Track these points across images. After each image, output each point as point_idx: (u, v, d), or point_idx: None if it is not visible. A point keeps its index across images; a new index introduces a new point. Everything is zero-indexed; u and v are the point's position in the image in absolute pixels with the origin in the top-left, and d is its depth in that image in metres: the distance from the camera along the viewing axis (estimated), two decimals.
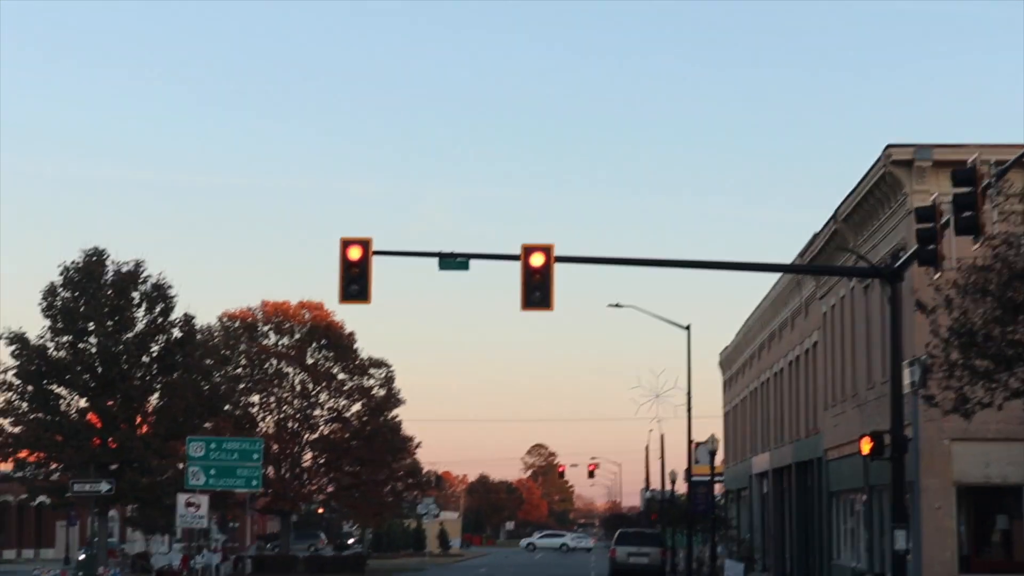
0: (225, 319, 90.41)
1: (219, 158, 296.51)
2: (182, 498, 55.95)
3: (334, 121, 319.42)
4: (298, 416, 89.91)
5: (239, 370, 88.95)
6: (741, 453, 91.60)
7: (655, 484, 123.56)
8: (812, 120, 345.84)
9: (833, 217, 55.13)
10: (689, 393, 74.58)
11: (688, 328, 75.30)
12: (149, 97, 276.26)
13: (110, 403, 62.17)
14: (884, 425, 39.69)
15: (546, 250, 40.71)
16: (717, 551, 65.84)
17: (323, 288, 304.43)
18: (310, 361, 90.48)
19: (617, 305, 77.54)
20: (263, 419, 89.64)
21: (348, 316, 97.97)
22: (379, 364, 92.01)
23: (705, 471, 77.42)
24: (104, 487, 53.41)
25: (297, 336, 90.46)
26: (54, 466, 62.86)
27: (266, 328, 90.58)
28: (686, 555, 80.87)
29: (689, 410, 74.54)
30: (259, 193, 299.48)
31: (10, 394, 62.00)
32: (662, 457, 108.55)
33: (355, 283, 40.56)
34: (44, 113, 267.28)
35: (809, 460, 66.87)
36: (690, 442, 76.15)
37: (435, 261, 42.74)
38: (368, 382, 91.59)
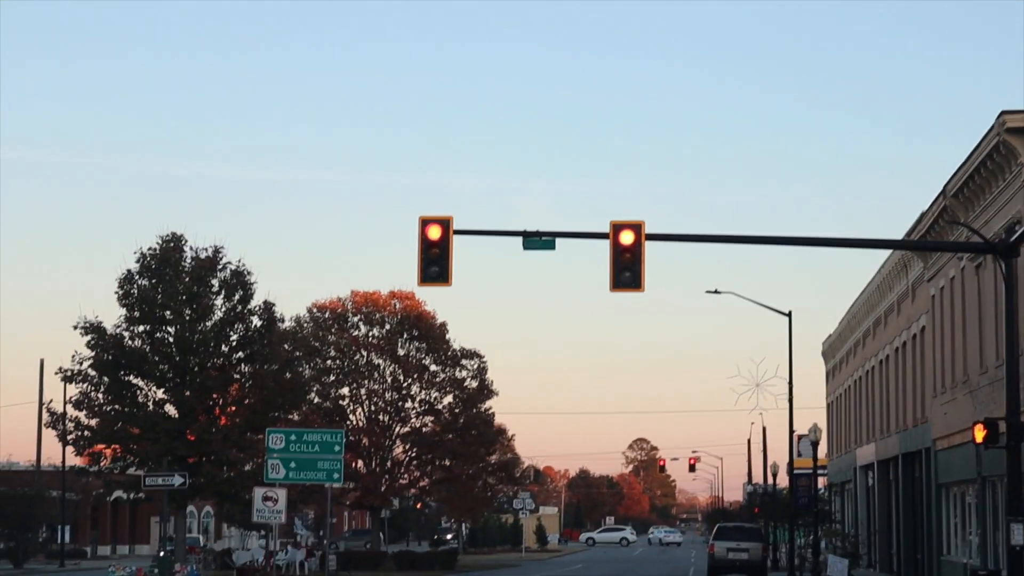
0: (315, 310, 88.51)
1: (302, 153, 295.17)
2: (259, 492, 53.64)
3: (426, 113, 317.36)
4: (389, 409, 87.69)
5: (328, 362, 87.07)
6: (844, 445, 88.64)
7: (757, 478, 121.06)
8: (919, 90, 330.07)
9: (942, 192, 52.01)
10: (791, 383, 71.64)
11: (789, 315, 72.33)
12: (234, 91, 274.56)
13: (188, 394, 59.88)
14: (998, 412, 37.15)
15: (636, 228, 38.59)
16: (820, 546, 62.80)
17: (413, 279, 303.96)
18: (401, 352, 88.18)
19: (716, 291, 74.58)
20: (353, 411, 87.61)
21: (439, 306, 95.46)
22: (471, 355, 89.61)
23: (808, 464, 74.67)
24: (177, 481, 51.09)
25: (387, 327, 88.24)
26: (130, 460, 60.43)
27: (356, 319, 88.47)
28: (788, 550, 78.27)
29: (791, 400, 71.67)
30: (344, 187, 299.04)
31: (86, 385, 59.81)
32: (764, 450, 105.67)
33: (435, 264, 38.56)
34: (126, 107, 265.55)
35: (916, 451, 63.88)
36: (791, 433, 73.31)
37: (519, 243, 40.91)
38: (460, 373, 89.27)
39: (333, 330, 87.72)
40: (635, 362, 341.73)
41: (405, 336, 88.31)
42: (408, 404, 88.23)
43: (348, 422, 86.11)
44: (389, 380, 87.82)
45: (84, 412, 59.43)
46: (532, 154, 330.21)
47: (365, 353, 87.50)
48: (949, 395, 56.54)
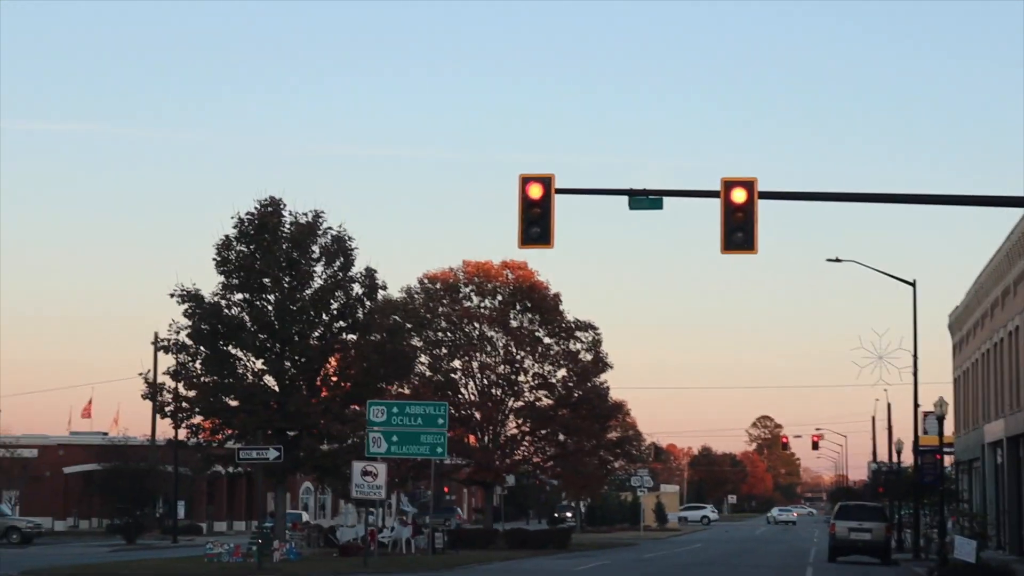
0: (425, 280, 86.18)
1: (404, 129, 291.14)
2: (358, 466, 51.52)
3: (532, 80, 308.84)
4: (501, 382, 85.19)
5: (439, 333, 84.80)
6: (972, 422, 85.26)
7: (882, 456, 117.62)
8: None
9: None
10: (916, 354, 68.71)
11: (914, 283, 69.34)
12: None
13: (288, 365, 57.75)
14: None
15: (748, 185, 36.75)
16: (947, 527, 59.73)
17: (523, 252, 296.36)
18: (514, 324, 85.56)
19: (836, 260, 71.59)
20: (465, 385, 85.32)
21: (551, 276, 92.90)
22: (586, 327, 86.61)
23: (933, 441, 71.50)
24: (272, 454, 48.93)
25: (500, 298, 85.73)
26: (228, 433, 58.26)
27: (467, 290, 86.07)
28: (913, 531, 75.25)
29: (915, 373, 68.77)
30: (448, 161, 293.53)
31: (183, 356, 57.86)
32: (889, 427, 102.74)
33: (536, 224, 36.86)
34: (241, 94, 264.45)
35: None
36: (916, 408, 70.21)
37: (629, 213, 39.06)
38: (574, 346, 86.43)
39: (444, 301, 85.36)
40: (751, 334, 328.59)
41: (518, 307, 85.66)
42: (521, 377, 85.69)
43: (460, 396, 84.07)
44: (502, 353, 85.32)
45: (181, 383, 57.45)
46: (639, 114, 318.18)
47: (477, 325, 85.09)
48: None
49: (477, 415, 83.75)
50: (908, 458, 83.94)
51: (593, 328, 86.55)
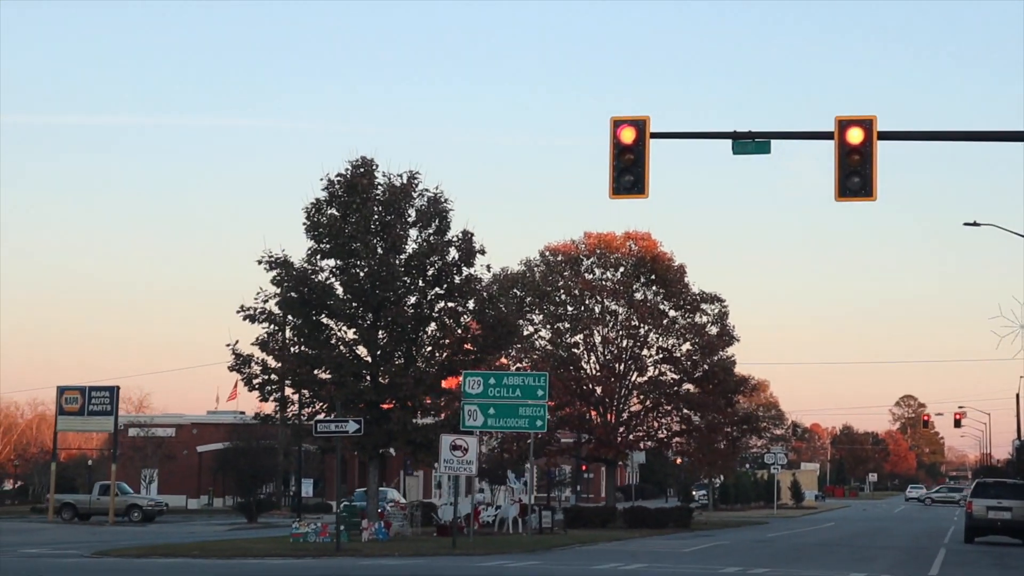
0: (547, 253, 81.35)
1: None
2: (446, 440, 46.71)
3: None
4: (624, 356, 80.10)
5: (559, 308, 79.92)
6: None
7: None
8: None
9: None
10: None
11: None
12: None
13: (381, 334, 52.78)
14: None
15: (866, 124, 32.29)
16: None
17: (650, 219, 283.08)
18: (637, 297, 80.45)
19: (975, 224, 65.32)
20: (587, 360, 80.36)
21: (676, 247, 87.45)
22: (712, 299, 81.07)
23: None
24: (352, 427, 43.93)
25: (622, 270, 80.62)
26: (320, 406, 53.19)
27: (589, 262, 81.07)
28: None
29: None
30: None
31: (271, 326, 53.08)
32: None
33: (629, 172, 32.49)
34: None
35: None
36: None
37: (727, 151, 33.45)
38: (700, 319, 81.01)
39: (565, 274, 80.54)
40: (887, 307, 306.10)
41: (641, 279, 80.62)
42: (644, 352, 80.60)
43: (582, 371, 79.45)
44: (624, 326, 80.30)
45: (271, 355, 52.61)
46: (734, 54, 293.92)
47: (599, 298, 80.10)
48: None
49: (598, 390, 79.10)
50: None
51: (719, 300, 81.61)
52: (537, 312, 79.20)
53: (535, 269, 80.00)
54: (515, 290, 79.09)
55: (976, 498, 61.53)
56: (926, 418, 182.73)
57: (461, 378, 51.51)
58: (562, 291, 79.71)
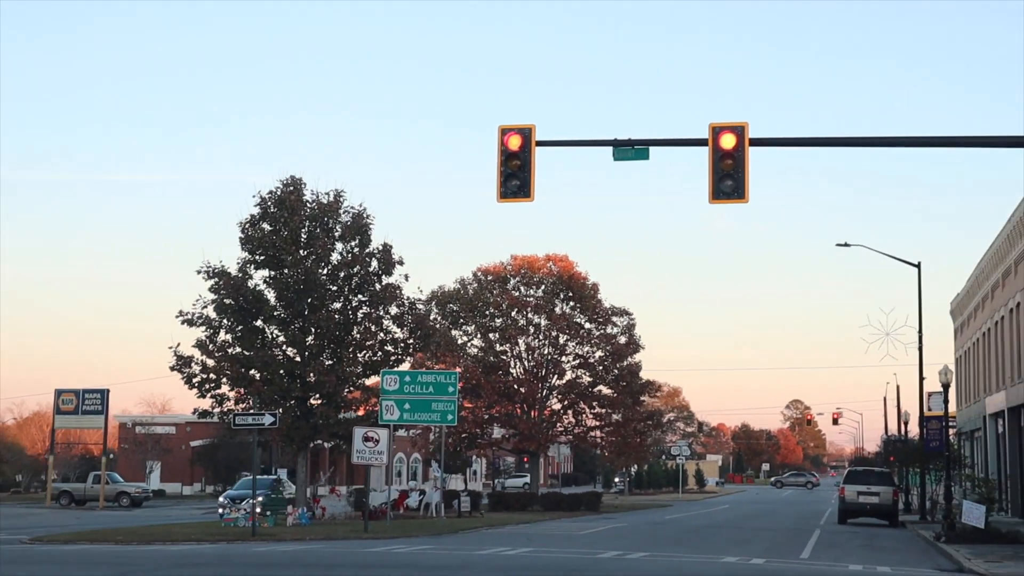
0: (479, 273, 76.65)
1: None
2: (359, 432, 41.16)
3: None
4: (545, 362, 75.15)
5: (490, 320, 75.09)
6: (973, 396, 73.47)
7: (893, 430, 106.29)
8: None
9: None
10: (920, 330, 57.80)
11: (918, 265, 58.40)
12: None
13: (309, 337, 47.10)
14: None
15: (738, 130, 28.24)
16: (952, 490, 48.47)
17: (568, 242, 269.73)
18: (557, 311, 75.66)
19: (846, 244, 60.66)
20: (513, 365, 75.28)
21: (591, 267, 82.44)
22: (621, 312, 76.99)
23: (938, 414, 60.44)
24: (267, 420, 38.47)
25: (543, 288, 75.86)
26: (252, 402, 47.39)
27: (515, 281, 76.25)
28: (919, 494, 64.07)
29: (920, 347, 57.91)
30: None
31: (208, 329, 47.23)
32: (897, 402, 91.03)
33: (515, 177, 28.19)
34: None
35: None
36: (922, 379, 59.14)
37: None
38: (611, 330, 76.38)
39: (495, 291, 75.63)
40: (778, 321, 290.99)
41: (560, 296, 76.08)
42: (563, 358, 75.76)
43: (509, 375, 74.48)
44: (545, 336, 75.36)
45: (209, 356, 46.74)
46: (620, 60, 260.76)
47: (524, 312, 75.14)
48: None
49: (523, 391, 74.06)
50: (916, 430, 72.74)
51: (627, 313, 77.59)
52: (470, 324, 75.18)
53: (468, 287, 76.15)
54: (451, 305, 75.01)
55: (848, 484, 56.84)
56: (809, 418, 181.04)
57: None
58: (492, 306, 75.18)
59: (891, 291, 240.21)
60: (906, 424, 79.46)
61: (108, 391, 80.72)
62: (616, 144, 29.20)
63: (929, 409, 64.09)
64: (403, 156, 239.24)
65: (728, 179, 28.28)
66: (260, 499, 41.32)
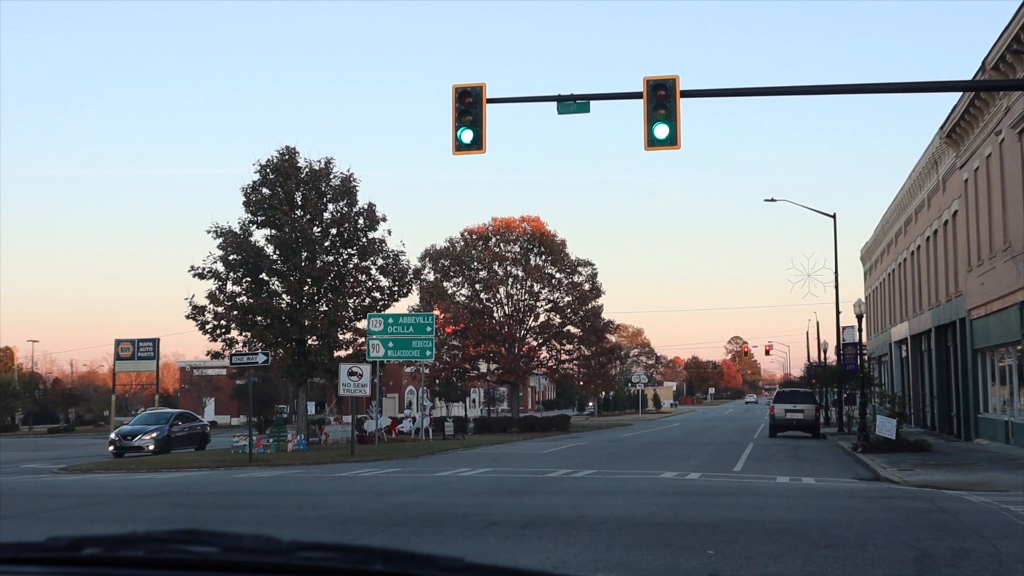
0: (465, 233, 72.69)
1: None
2: (344, 368, 37.27)
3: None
4: (522, 307, 71.31)
5: (475, 272, 71.28)
6: (881, 327, 69.73)
7: (815, 357, 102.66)
8: None
9: (1004, 32, 33.16)
10: (836, 272, 54.26)
11: (834, 216, 54.50)
12: None
13: (305, 287, 43.14)
14: None
15: (670, 83, 24.29)
16: (867, 408, 44.80)
17: (543, 206, 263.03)
18: (531, 264, 71.76)
19: (772, 200, 56.81)
20: (495, 310, 71.43)
21: (559, 225, 78.38)
22: (585, 264, 73.14)
23: (852, 342, 56.72)
24: (260, 359, 34.82)
25: (519, 245, 71.98)
26: (258, 345, 43.64)
27: (495, 239, 72.31)
28: (837, 410, 60.52)
29: (836, 286, 54.33)
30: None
31: (217, 282, 43.24)
32: (818, 335, 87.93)
33: (469, 129, 24.52)
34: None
35: (950, 322, 45.43)
36: (838, 313, 55.51)
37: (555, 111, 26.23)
38: (577, 278, 72.46)
39: (479, 247, 71.69)
40: (713, 266, 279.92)
41: (534, 251, 72.10)
42: (537, 303, 71.89)
43: (492, 319, 70.52)
44: (522, 285, 71.53)
45: (219, 305, 42.80)
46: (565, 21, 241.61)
47: (504, 265, 71.31)
48: (987, 266, 37.87)
49: (505, 330, 70.02)
50: (833, 357, 69.11)
51: (591, 264, 73.65)
52: (458, 276, 71.27)
53: (456, 245, 71.94)
54: (442, 260, 71.08)
55: (777, 404, 53.18)
56: (746, 350, 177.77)
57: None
58: (476, 260, 71.08)
59: (814, 238, 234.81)
60: (825, 352, 75.84)
61: (159, 340, 76.93)
62: (559, 99, 25.41)
63: (845, 341, 60.51)
64: (390, 124, 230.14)
65: (663, 124, 24.61)
66: (154, 434, 37.13)
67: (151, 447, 41.92)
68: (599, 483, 22.23)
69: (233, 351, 41.10)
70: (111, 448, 43.10)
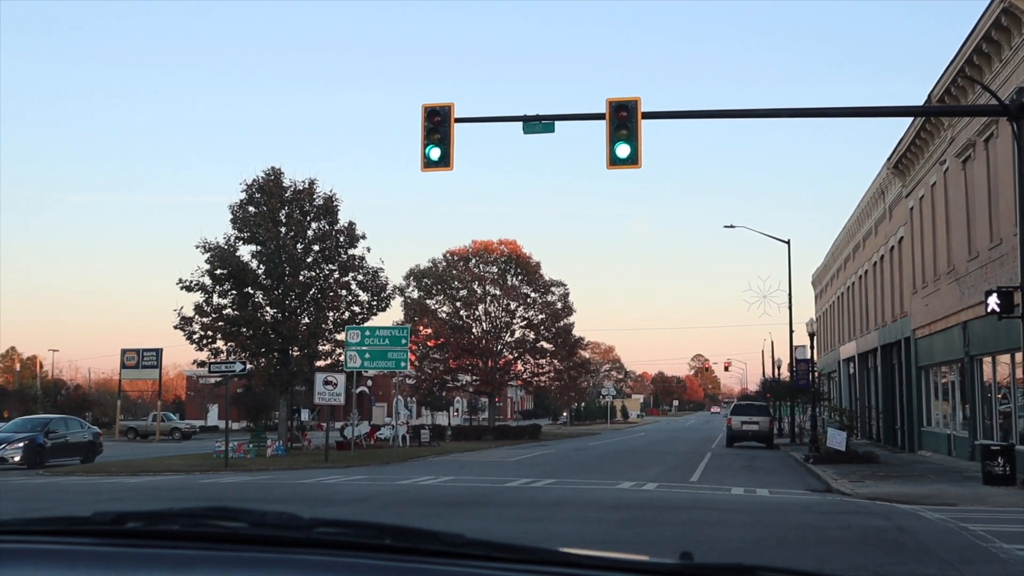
0: (447, 254, 70.74)
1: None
2: (320, 377, 35.23)
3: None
4: (499, 323, 69.30)
5: (456, 292, 69.20)
6: (830, 345, 67.98)
7: (770, 373, 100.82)
8: None
9: (955, 59, 31.34)
10: (790, 294, 52.05)
11: (788, 242, 52.56)
12: None
13: (288, 301, 41.09)
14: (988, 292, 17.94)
15: (631, 105, 22.77)
16: (817, 421, 42.90)
17: (518, 228, 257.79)
18: (508, 283, 69.81)
19: (731, 226, 55.03)
20: (474, 326, 69.36)
21: (534, 248, 76.58)
22: (558, 284, 71.27)
23: (805, 359, 54.82)
24: (237, 367, 32.78)
25: (497, 266, 70.09)
26: (242, 354, 41.47)
27: (475, 260, 70.36)
28: (790, 423, 58.63)
29: (790, 307, 52.05)
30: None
31: (204, 294, 41.16)
32: (772, 353, 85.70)
33: (437, 147, 23.05)
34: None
35: (895, 341, 43.63)
36: (791, 332, 53.32)
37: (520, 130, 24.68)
38: (550, 297, 70.49)
39: (460, 268, 69.69)
40: (677, 289, 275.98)
41: (510, 272, 70.17)
42: (513, 320, 69.89)
43: (472, 334, 68.40)
44: (499, 303, 69.57)
45: (205, 316, 40.72)
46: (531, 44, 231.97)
47: (482, 285, 69.34)
48: (931, 288, 36.11)
49: (483, 344, 67.97)
50: (787, 373, 67.22)
51: (563, 284, 71.50)
52: (440, 294, 69.15)
53: (439, 265, 69.80)
54: (425, 279, 69.05)
55: (734, 416, 51.32)
56: (707, 366, 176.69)
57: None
58: (457, 280, 69.00)
59: (770, 262, 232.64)
60: (779, 368, 73.96)
61: (162, 349, 74.93)
62: (525, 119, 23.67)
63: (797, 359, 58.81)
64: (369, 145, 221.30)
65: (624, 145, 22.86)
66: (20, 444, 32.02)
67: (16, 458, 32.82)
68: (555, 494, 20.20)
69: (214, 360, 38.86)
70: None
